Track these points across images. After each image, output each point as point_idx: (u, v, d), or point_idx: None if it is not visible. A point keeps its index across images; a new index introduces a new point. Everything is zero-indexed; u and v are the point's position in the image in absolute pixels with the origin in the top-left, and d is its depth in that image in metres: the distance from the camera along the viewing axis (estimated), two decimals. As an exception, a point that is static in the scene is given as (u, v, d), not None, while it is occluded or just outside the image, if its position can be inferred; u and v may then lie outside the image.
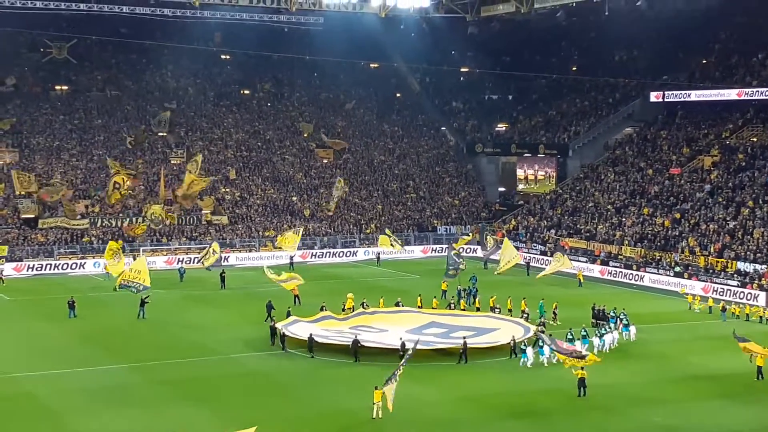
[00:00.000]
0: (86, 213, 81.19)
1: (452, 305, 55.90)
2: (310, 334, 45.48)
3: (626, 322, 49.08)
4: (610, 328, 47.67)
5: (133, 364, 43.29)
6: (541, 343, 43.31)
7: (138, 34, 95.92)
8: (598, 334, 46.51)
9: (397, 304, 54.49)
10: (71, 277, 71.55)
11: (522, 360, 43.11)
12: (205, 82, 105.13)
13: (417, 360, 42.00)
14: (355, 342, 43.83)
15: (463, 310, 54.85)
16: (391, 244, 78.58)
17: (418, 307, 55.14)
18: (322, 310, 52.42)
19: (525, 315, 51.70)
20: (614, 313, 50.99)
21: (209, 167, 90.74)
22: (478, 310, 54.77)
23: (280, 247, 76.49)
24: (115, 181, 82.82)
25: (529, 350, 43.35)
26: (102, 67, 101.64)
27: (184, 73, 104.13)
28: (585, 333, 46.59)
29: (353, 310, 53.78)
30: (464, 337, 44.44)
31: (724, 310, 55.79)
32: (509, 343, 44.32)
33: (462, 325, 49.68)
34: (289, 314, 51.02)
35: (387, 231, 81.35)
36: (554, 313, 53.21)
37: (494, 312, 52.37)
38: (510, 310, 53.86)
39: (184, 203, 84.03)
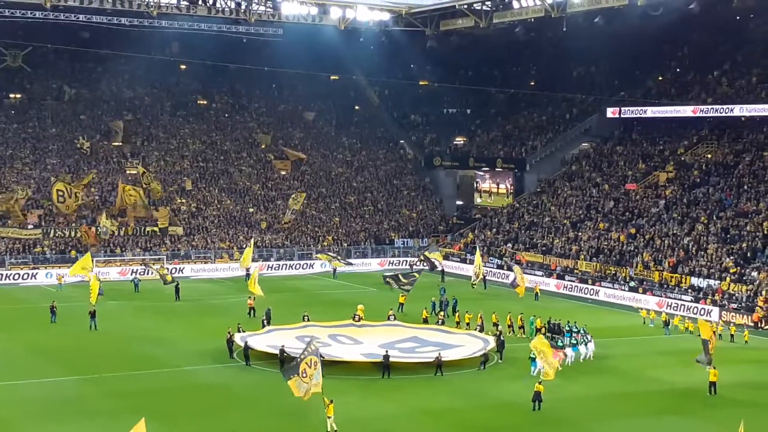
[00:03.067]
0: (39, 223, 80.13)
1: (441, 321, 55.15)
2: (246, 342, 45.45)
3: (583, 333, 49.37)
4: (587, 338, 48.29)
5: (85, 376, 42.65)
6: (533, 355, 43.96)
7: (94, 42, 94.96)
8: (584, 342, 47.42)
9: (389, 318, 54.53)
10: (22, 288, 70.53)
11: (532, 369, 43.31)
12: (161, 92, 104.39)
13: (375, 373, 41.97)
14: (281, 351, 43.63)
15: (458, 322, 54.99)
16: (330, 260, 78.99)
17: (423, 319, 55.19)
18: (304, 319, 52.42)
19: (503, 330, 51.79)
20: (569, 326, 51.22)
21: (165, 178, 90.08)
22: (442, 323, 54.83)
23: (246, 267, 75.64)
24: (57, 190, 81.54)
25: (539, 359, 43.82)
26: (57, 76, 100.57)
27: (140, 82, 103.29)
28: (575, 341, 47.31)
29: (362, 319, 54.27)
30: (387, 351, 44.34)
31: (667, 324, 56.15)
32: (435, 360, 44.17)
33: (436, 341, 49.47)
34: (264, 325, 50.93)
35: (320, 256, 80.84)
36: (539, 329, 53.02)
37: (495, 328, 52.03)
38: (468, 324, 54.00)
39: (135, 214, 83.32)
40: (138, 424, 27.60)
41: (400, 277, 64.05)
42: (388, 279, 64.37)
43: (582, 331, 49.44)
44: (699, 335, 43.54)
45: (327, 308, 58.71)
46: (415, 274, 65.51)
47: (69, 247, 77.86)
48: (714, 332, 43.61)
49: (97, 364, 45.06)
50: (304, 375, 34.90)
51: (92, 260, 67.72)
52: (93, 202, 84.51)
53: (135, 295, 67.00)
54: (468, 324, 53.96)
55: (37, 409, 37.23)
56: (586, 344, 47.65)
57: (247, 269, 74.86)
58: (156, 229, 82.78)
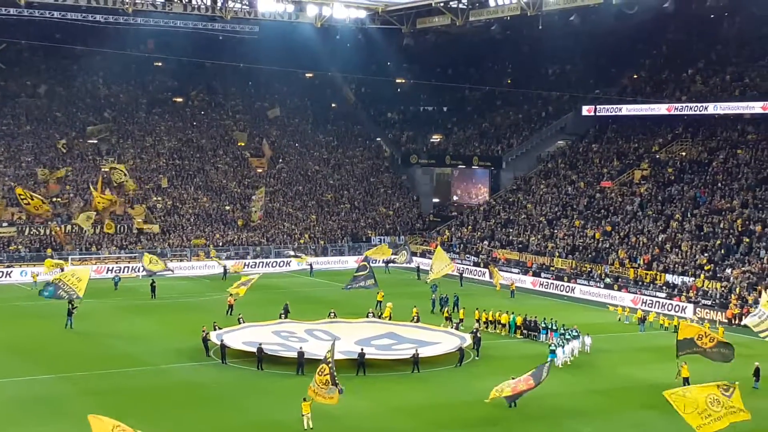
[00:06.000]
0: (13, 221, 79.59)
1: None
2: (222, 340, 45.39)
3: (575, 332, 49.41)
4: (574, 333, 48.44)
5: (61, 374, 42.42)
6: (557, 345, 45.64)
7: (69, 39, 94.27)
8: (570, 340, 47.58)
9: (367, 315, 54.66)
10: (-3, 286, 70.13)
11: (550, 359, 44.07)
12: (137, 89, 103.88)
13: (350, 370, 42.00)
14: (259, 350, 43.68)
15: (448, 318, 54.88)
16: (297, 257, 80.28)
17: (447, 318, 54.87)
18: (280, 317, 52.88)
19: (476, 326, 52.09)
20: (545, 323, 51.63)
21: (141, 175, 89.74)
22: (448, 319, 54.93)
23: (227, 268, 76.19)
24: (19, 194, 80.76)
25: (559, 351, 45.09)
26: (32, 73, 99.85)
27: (116, 79, 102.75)
28: (555, 346, 46.91)
29: (390, 318, 54.33)
30: (362, 349, 44.38)
31: (642, 320, 56.54)
32: (411, 357, 44.20)
33: (412, 337, 49.46)
34: (240, 321, 51.01)
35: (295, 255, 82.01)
36: (518, 326, 53.24)
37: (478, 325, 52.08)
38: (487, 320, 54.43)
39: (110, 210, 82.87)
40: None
41: (356, 277, 63.56)
42: (350, 287, 63.61)
43: (568, 330, 49.24)
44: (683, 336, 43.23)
45: (304, 306, 58.61)
46: (366, 264, 65.04)
47: (44, 245, 77.35)
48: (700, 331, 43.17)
49: (72, 362, 44.82)
50: (321, 373, 34.71)
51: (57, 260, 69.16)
52: (68, 199, 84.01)
53: (112, 293, 66.62)
54: (487, 320, 54.07)
55: (11, 408, 36.99)
56: (575, 340, 47.72)
57: (225, 267, 75.17)
58: (137, 227, 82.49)
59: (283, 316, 53.43)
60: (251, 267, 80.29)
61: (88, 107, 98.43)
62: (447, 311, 56.73)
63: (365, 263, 64.86)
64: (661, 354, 47.17)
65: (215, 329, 47.96)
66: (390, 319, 54.39)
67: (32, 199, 79.01)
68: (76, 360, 45.39)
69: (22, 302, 62.60)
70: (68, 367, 43.83)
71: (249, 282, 59.54)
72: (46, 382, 41.22)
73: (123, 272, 74.08)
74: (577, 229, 78.13)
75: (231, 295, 58.50)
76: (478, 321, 53.44)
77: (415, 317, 54.01)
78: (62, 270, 64.66)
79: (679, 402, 31.28)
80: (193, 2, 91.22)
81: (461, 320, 53.67)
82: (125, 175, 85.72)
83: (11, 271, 73.04)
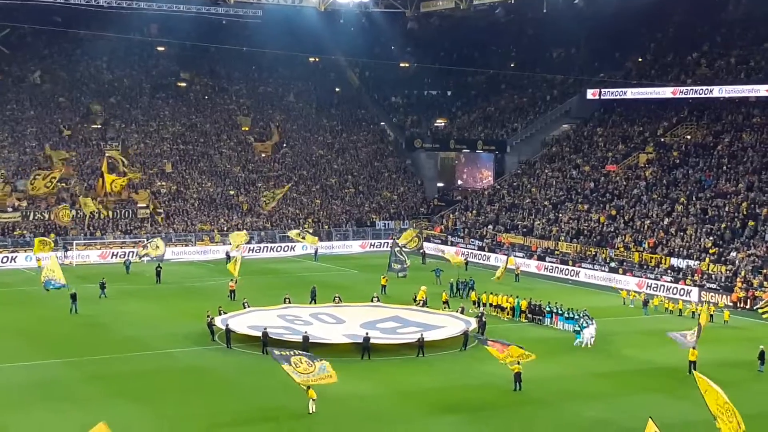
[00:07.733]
0: (17, 206, 79.64)
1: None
2: (227, 325, 45.38)
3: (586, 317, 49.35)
4: (589, 321, 48.25)
5: (66, 359, 42.49)
6: (582, 327, 46.40)
7: (73, 24, 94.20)
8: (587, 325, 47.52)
9: (372, 300, 54.58)
10: (2, 271, 70.13)
11: (577, 340, 45.63)
12: (140, 74, 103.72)
13: (355, 354, 42.07)
14: (264, 334, 43.57)
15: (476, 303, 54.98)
16: (302, 237, 79.03)
17: (474, 302, 55.07)
18: (285, 301, 52.65)
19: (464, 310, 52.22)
20: (549, 307, 51.69)
21: (145, 160, 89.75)
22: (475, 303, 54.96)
23: (234, 242, 75.90)
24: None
25: (585, 331, 45.76)
26: (35, 58, 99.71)
27: (119, 64, 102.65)
28: (579, 327, 47.29)
29: (425, 303, 54.05)
30: (367, 333, 44.38)
31: (645, 303, 56.50)
32: (416, 341, 44.19)
33: (417, 321, 49.48)
34: (245, 305, 51.03)
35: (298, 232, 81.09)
36: (523, 311, 53.41)
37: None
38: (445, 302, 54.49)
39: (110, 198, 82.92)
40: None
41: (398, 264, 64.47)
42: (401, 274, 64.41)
43: (583, 314, 49.18)
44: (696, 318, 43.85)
45: (309, 290, 58.61)
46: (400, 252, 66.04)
47: (49, 230, 77.40)
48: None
49: (78, 347, 44.95)
50: (298, 366, 34.74)
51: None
52: (72, 184, 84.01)
53: (119, 277, 66.63)
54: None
55: (18, 392, 37.07)
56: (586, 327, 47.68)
57: (228, 252, 74.98)
58: (155, 215, 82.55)
59: (287, 300, 53.34)
60: (255, 252, 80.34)
61: (92, 92, 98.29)
62: (475, 295, 56.73)
63: (400, 251, 65.62)
64: (665, 337, 47.07)
65: (220, 314, 48.04)
66: (425, 303, 54.12)
67: (36, 179, 79.50)
68: (82, 344, 45.51)
69: (27, 287, 62.68)
70: (74, 351, 43.94)
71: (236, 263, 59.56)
72: (52, 367, 41.28)
73: (131, 257, 73.95)
74: (582, 213, 78.02)
75: (232, 280, 58.64)
76: (493, 305, 54.04)
77: (423, 300, 54.18)
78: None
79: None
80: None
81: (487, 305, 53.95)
82: (124, 164, 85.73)
83: (16, 256, 73.16)
